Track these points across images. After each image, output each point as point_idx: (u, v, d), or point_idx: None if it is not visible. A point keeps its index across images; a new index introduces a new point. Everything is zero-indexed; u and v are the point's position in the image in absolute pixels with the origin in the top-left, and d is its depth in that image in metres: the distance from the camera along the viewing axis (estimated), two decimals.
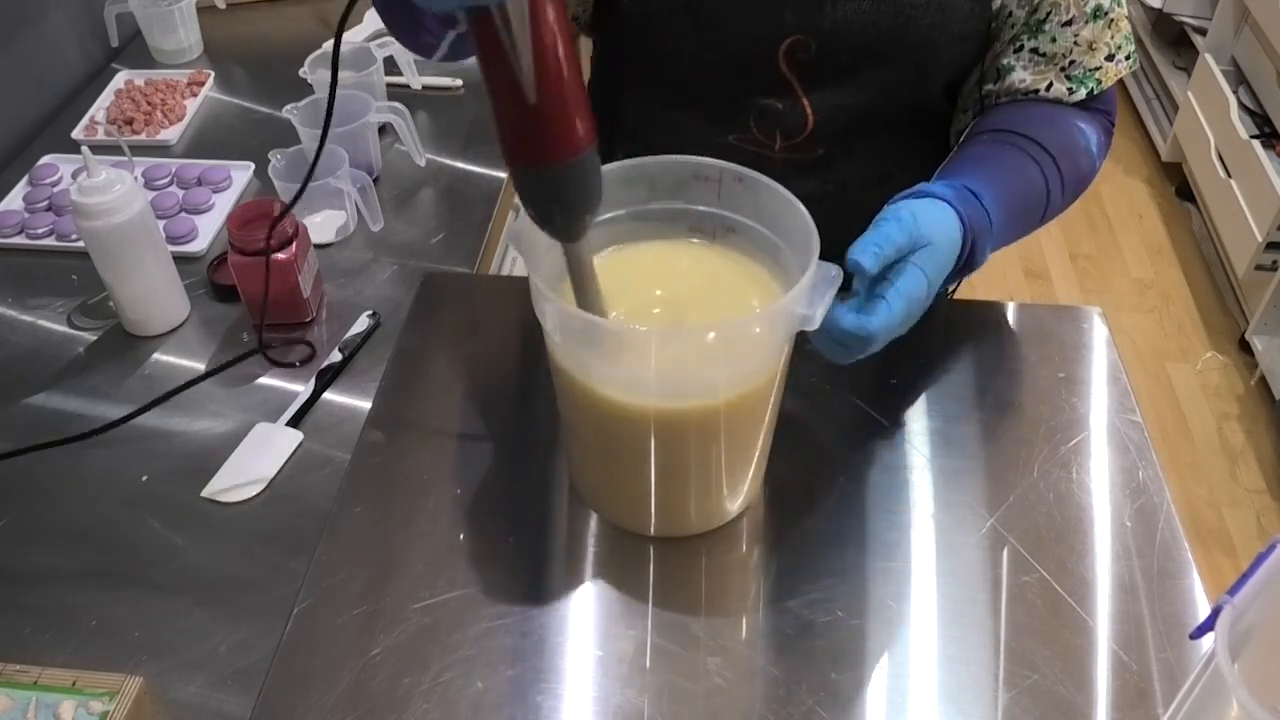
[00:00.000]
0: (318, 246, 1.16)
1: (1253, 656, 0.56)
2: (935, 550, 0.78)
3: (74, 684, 0.67)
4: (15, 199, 1.27)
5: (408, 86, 1.45)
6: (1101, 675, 0.70)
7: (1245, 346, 2.31)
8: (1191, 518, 2.03)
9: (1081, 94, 0.89)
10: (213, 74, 1.50)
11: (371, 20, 1.58)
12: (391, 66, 1.40)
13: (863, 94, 0.91)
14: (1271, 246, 2.22)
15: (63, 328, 1.10)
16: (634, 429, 0.72)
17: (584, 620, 0.74)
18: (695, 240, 0.79)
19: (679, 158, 0.76)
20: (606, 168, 0.74)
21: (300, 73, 1.35)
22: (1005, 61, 0.89)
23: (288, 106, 1.25)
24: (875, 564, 0.77)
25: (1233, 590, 0.55)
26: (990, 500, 0.81)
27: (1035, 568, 0.76)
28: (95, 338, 1.08)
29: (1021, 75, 0.89)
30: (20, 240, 1.21)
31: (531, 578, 0.76)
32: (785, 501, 0.82)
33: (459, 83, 1.47)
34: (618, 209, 0.77)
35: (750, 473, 0.78)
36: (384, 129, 1.34)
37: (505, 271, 1.62)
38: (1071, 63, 0.88)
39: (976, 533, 0.79)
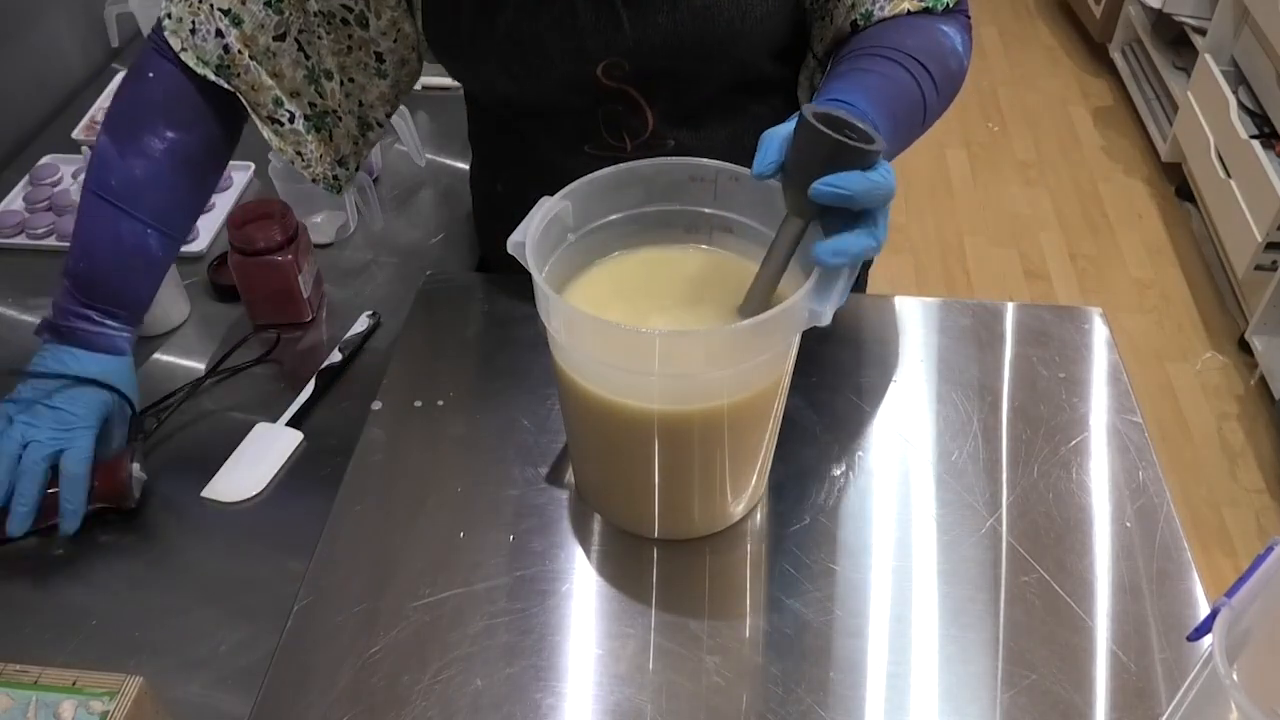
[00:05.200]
0: (318, 246, 1.16)
1: (1250, 658, 0.56)
2: (935, 550, 0.78)
3: (74, 684, 0.67)
4: (15, 199, 1.27)
5: None
6: (1100, 675, 0.70)
7: (1245, 346, 2.30)
8: (1191, 518, 2.03)
9: (939, 8, 0.89)
10: None
11: None
12: None
13: (691, 91, 0.93)
14: (1271, 246, 2.22)
15: None
16: (637, 432, 0.72)
17: (584, 619, 0.74)
18: (693, 240, 0.79)
19: (673, 159, 0.76)
20: (601, 173, 0.75)
21: None
22: (863, 10, 0.89)
23: None
24: (874, 563, 0.77)
25: (1230, 592, 0.55)
26: (990, 500, 0.81)
27: (1035, 568, 0.76)
28: None
29: (879, 15, 0.89)
30: (21, 240, 1.21)
31: (531, 576, 0.76)
32: (785, 501, 0.82)
33: (458, 83, 1.47)
34: (614, 213, 0.77)
35: (755, 475, 0.78)
36: None
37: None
38: None
39: (976, 533, 0.79)
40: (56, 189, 1.27)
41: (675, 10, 0.86)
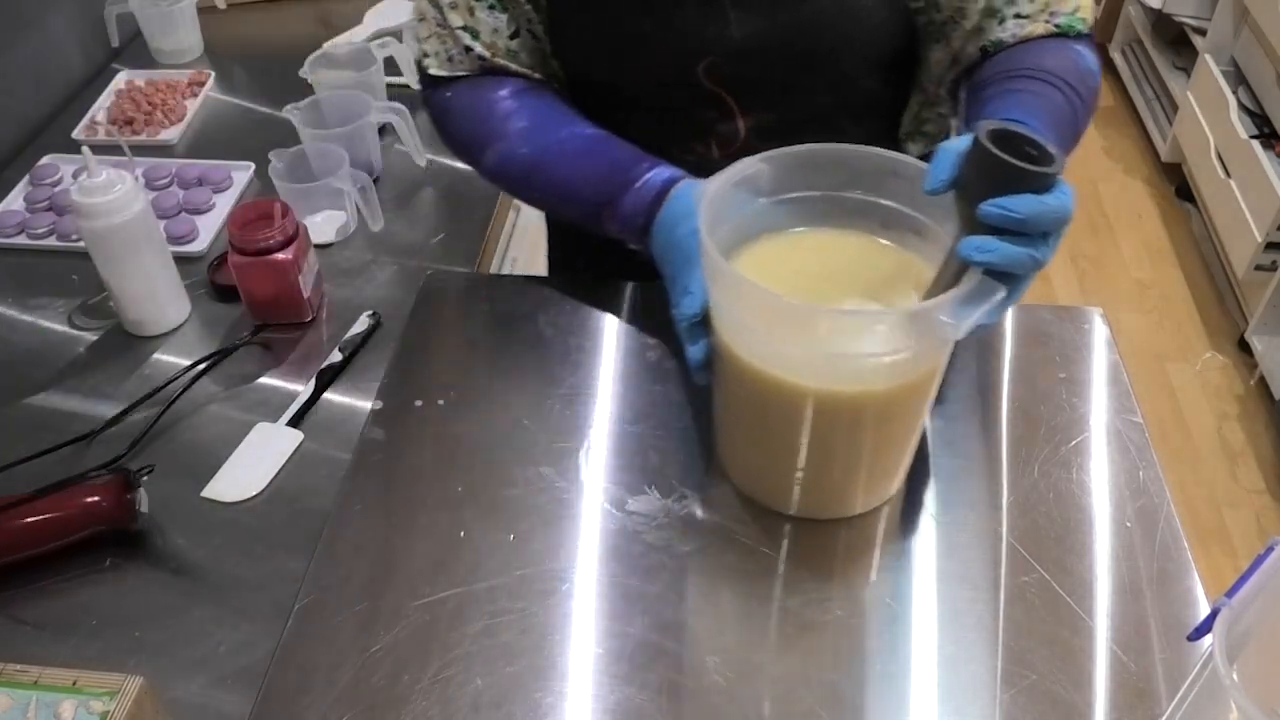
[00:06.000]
0: (318, 246, 1.16)
1: (1251, 658, 0.56)
2: (935, 550, 0.78)
3: (74, 684, 0.67)
4: (16, 199, 1.27)
5: (408, 86, 1.44)
6: (1100, 675, 0.70)
7: (1245, 346, 2.31)
8: (1191, 518, 2.03)
9: (1073, 33, 0.89)
10: (213, 74, 1.50)
11: (371, 20, 1.58)
12: (391, 66, 1.40)
13: (790, 101, 0.93)
14: (1271, 246, 2.22)
15: (63, 328, 1.10)
16: (786, 407, 0.72)
17: (584, 618, 0.74)
18: (883, 235, 0.79)
19: (880, 151, 0.75)
20: (806, 147, 0.75)
21: (300, 73, 1.35)
22: (992, 38, 0.89)
23: (288, 106, 1.25)
24: (874, 563, 0.77)
25: (1230, 592, 0.55)
26: (990, 500, 0.81)
27: (1035, 568, 0.76)
28: (95, 338, 1.08)
29: (1010, 42, 0.89)
30: (21, 240, 1.21)
31: (531, 575, 0.76)
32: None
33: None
34: (812, 190, 0.77)
35: (900, 461, 0.79)
36: (384, 129, 1.34)
37: (505, 271, 1.62)
38: (1052, 13, 0.88)
39: (976, 533, 0.79)
40: (56, 189, 1.27)
41: (782, 14, 0.86)
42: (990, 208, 0.65)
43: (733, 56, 0.89)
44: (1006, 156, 0.64)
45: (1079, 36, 0.89)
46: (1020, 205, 0.65)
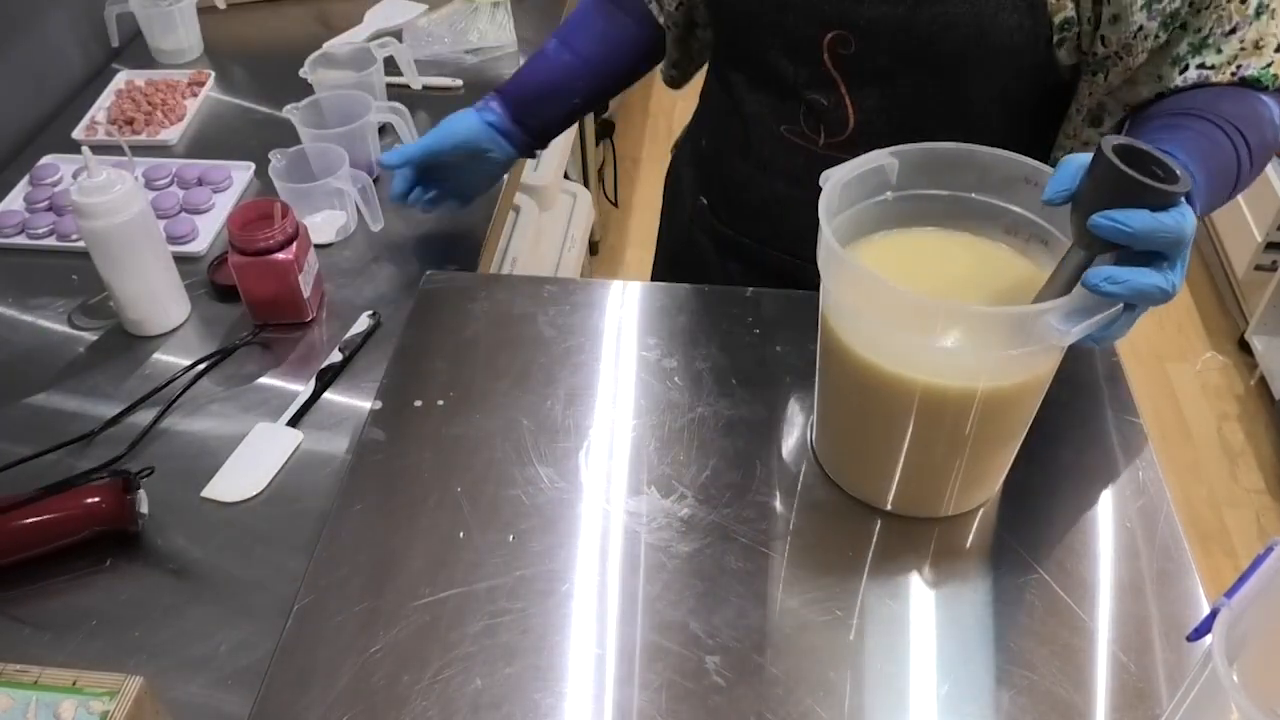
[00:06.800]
0: (318, 246, 1.16)
1: (1250, 659, 0.56)
2: (934, 550, 0.78)
3: (74, 684, 0.67)
4: (16, 199, 1.27)
5: (408, 86, 1.45)
6: (1100, 676, 0.70)
7: (1245, 346, 2.31)
8: (1191, 518, 2.03)
9: (1260, 86, 0.86)
10: (213, 74, 1.50)
11: (371, 20, 1.58)
12: (391, 66, 1.40)
13: (902, 97, 0.92)
14: (1271, 246, 2.22)
15: (63, 328, 1.10)
16: (890, 399, 0.72)
17: (584, 618, 0.74)
18: (1007, 242, 0.78)
19: (1014, 155, 0.75)
20: (939, 145, 0.74)
21: (300, 73, 1.35)
22: (1171, 85, 0.86)
23: (288, 106, 1.25)
24: (873, 563, 0.77)
25: (1230, 593, 0.55)
26: (991, 500, 0.81)
27: (1035, 568, 0.76)
28: (95, 338, 1.08)
29: (1184, 89, 0.87)
30: (21, 240, 1.21)
31: (531, 576, 0.76)
32: (775, 496, 0.82)
33: (459, 83, 1.47)
34: (938, 189, 0.77)
35: (1001, 467, 0.79)
36: (384, 129, 1.34)
37: (505, 271, 1.62)
38: (1239, 66, 0.85)
39: (976, 533, 0.79)
40: (56, 189, 1.27)
41: (917, 6, 0.86)
42: (1101, 219, 0.64)
43: (858, 33, 0.89)
44: (1125, 168, 0.63)
45: (1265, 89, 0.86)
46: (1132, 220, 0.63)
